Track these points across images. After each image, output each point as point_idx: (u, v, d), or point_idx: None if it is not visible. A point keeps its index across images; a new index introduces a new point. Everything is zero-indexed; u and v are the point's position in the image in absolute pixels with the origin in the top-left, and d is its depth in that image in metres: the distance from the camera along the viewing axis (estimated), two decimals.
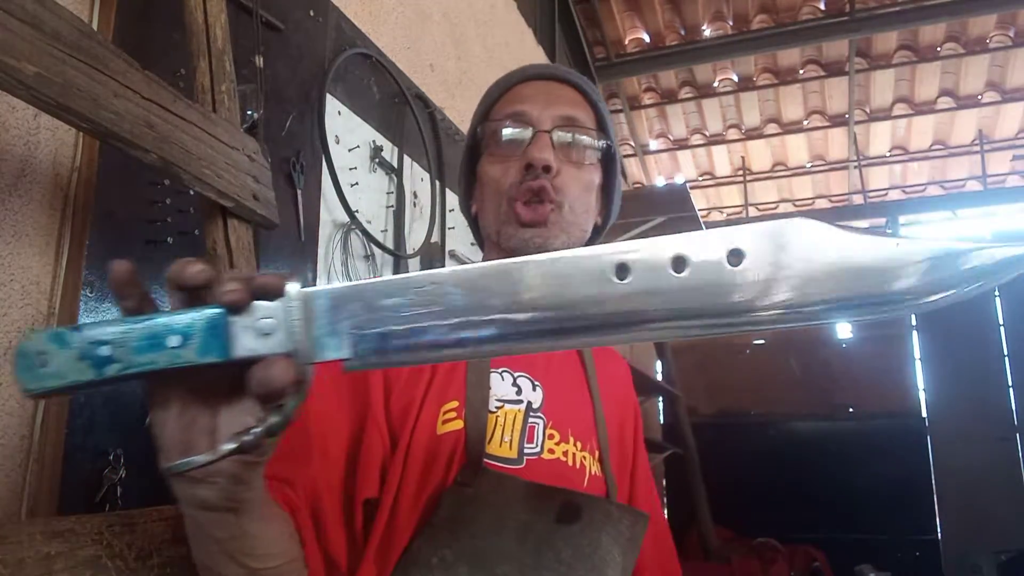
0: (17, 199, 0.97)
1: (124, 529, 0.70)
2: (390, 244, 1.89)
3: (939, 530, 4.71)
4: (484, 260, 0.92)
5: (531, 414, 0.83)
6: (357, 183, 1.79)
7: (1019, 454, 4.71)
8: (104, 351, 0.42)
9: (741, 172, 6.68)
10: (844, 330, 5.32)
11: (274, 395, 0.43)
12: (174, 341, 0.42)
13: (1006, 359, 4.85)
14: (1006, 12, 4.83)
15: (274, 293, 0.44)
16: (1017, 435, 4.75)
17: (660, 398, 5.14)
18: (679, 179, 6.79)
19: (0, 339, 0.93)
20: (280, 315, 0.43)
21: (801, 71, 5.65)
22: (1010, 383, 4.81)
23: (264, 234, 1.35)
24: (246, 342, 0.43)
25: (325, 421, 0.74)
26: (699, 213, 3.69)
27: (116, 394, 1.04)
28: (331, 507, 0.71)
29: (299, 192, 1.53)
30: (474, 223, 0.97)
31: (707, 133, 6.41)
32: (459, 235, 2.30)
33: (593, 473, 0.86)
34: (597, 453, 0.88)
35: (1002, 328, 4.91)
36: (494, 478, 0.75)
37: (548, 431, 0.83)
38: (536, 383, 0.85)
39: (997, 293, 4.98)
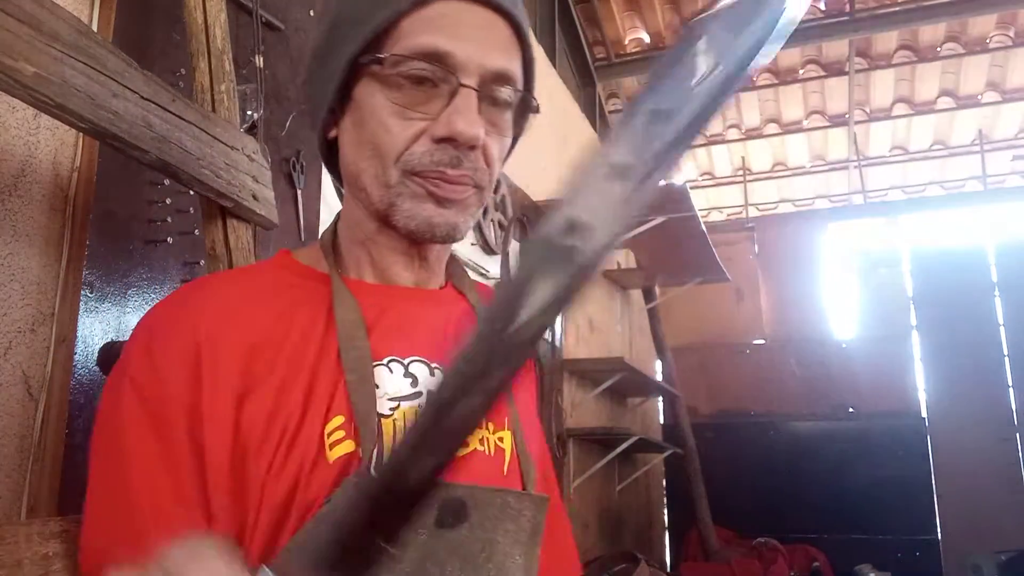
0: (17, 199, 0.97)
1: None
2: None
3: (939, 530, 4.70)
4: (348, 217, 0.73)
5: None
6: None
7: (1019, 454, 4.71)
8: None
9: (741, 172, 6.68)
10: (844, 330, 5.32)
11: None
12: None
13: (1006, 359, 4.85)
14: (1006, 12, 4.82)
15: None
16: (1017, 435, 4.75)
17: (660, 398, 5.14)
18: (678, 179, 6.79)
19: (0, 339, 0.93)
20: None
21: (801, 71, 5.65)
22: (1010, 383, 4.81)
23: (264, 234, 1.35)
24: None
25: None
26: (699, 213, 3.69)
27: None
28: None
29: (299, 192, 1.53)
30: (328, 150, 0.74)
31: (707, 133, 6.40)
32: None
33: (512, 454, 0.73)
34: (510, 431, 0.74)
35: (1002, 328, 4.91)
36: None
37: None
38: (432, 365, 0.70)
39: (997, 293, 4.98)
